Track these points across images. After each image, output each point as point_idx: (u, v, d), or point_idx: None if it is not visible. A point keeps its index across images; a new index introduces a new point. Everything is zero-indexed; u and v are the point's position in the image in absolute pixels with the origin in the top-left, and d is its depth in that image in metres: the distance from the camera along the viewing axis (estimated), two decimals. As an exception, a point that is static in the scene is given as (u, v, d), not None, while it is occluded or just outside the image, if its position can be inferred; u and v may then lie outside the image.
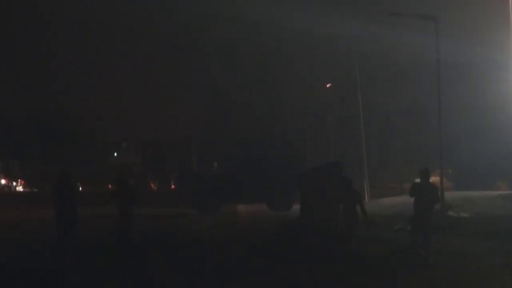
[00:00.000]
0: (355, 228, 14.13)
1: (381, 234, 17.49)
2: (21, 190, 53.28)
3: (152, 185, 54.74)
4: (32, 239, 17.15)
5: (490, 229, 17.76)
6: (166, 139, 63.83)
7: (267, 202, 26.69)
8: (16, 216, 24.31)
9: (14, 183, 55.84)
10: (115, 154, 64.90)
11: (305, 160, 31.75)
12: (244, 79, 52.70)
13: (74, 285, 11.53)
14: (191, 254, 14.58)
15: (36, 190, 49.39)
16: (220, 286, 11.30)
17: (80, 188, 45.50)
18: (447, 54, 28.80)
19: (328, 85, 47.79)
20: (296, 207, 19.35)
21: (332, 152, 52.23)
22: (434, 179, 16.34)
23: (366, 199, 30.52)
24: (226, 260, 13.49)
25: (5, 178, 55.48)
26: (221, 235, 18.04)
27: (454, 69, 40.93)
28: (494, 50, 37.92)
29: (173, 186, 40.85)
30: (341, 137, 50.84)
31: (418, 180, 14.01)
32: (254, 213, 25.37)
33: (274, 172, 26.41)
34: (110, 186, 42.72)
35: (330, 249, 14.05)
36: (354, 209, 14.14)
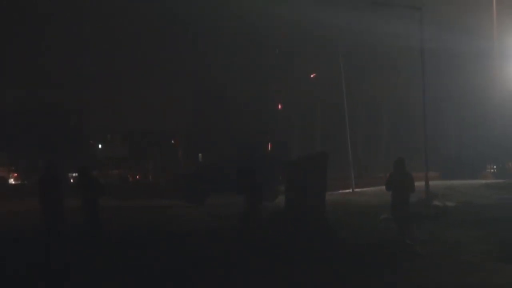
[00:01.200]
0: None
1: (369, 224, 17.48)
2: (13, 182, 52.97)
3: (131, 177, 54.37)
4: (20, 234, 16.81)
5: (476, 218, 17.78)
6: (152, 131, 63.51)
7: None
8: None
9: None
10: (99, 146, 64.50)
11: (288, 152, 31.55)
12: (231, 72, 52.36)
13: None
14: (186, 250, 14.37)
15: (26, 182, 49.05)
16: (220, 285, 11.11)
17: (72, 180, 45.11)
18: (433, 43, 28.77)
19: (312, 75, 47.44)
20: (281, 198, 19.17)
21: (319, 143, 52.21)
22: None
23: (351, 189, 30.51)
24: (221, 258, 13.21)
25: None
26: (213, 229, 17.80)
27: (440, 59, 40.96)
28: (479, 39, 38.01)
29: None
30: (328, 128, 50.68)
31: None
32: (239, 205, 25.18)
33: (258, 164, 26.22)
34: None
35: (323, 246, 13.84)
36: None
